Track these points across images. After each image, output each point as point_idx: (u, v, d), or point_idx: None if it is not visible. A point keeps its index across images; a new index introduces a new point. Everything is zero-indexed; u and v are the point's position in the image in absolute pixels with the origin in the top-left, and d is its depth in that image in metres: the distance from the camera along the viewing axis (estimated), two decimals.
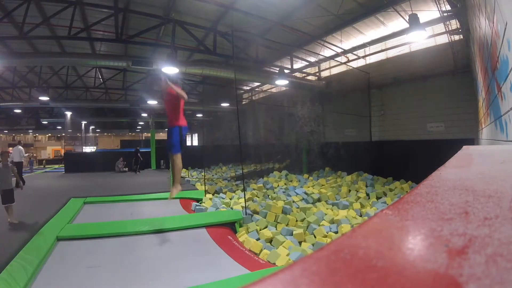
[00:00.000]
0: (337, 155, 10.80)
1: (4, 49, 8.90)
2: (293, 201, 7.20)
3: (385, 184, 8.82)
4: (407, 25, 6.58)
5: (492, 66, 2.07)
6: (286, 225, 5.72)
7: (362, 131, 10.50)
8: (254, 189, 8.62)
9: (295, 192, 8.02)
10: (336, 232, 5.39)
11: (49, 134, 30.34)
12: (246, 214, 6.04)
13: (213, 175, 13.19)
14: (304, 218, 5.93)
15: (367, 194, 7.95)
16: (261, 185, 9.16)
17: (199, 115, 19.26)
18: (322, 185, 9.23)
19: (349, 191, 8.44)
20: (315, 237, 5.17)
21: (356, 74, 10.30)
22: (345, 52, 10.45)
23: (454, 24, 6.39)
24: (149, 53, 9.78)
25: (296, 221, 5.91)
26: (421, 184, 0.53)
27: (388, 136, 9.93)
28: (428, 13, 7.21)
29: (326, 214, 6.26)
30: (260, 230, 5.48)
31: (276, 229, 5.52)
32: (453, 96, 7.98)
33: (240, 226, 5.68)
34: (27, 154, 12.59)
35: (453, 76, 7.89)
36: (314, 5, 7.40)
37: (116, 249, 4.30)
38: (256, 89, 16.78)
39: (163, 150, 14.79)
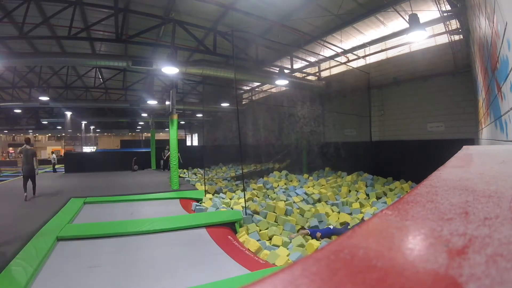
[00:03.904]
0: (337, 155, 10.80)
1: (4, 49, 8.91)
2: (294, 202, 7.20)
3: (385, 184, 8.82)
4: (407, 25, 6.58)
5: (492, 66, 2.07)
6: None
7: (362, 131, 10.50)
8: (254, 189, 8.62)
9: (295, 192, 8.02)
10: None
11: (49, 134, 30.36)
12: (246, 214, 6.04)
13: (213, 175, 13.19)
14: (306, 223, 5.89)
15: (367, 194, 7.95)
16: (261, 185, 9.16)
17: (199, 115, 19.25)
18: (322, 185, 9.23)
19: (349, 191, 8.44)
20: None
21: (356, 74, 10.30)
22: (345, 52, 10.45)
23: (454, 24, 6.39)
24: (149, 53, 9.78)
25: (296, 223, 5.91)
26: (421, 184, 0.53)
27: (388, 136, 9.93)
28: (428, 13, 7.21)
29: (329, 216, 6.25)
30: (261, 231, 5.48)
31: (277, 228, 5.53)
32: (453, 96, 7.98)
33: (240, 226, 5.68)
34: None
35: (453, 76, 7.89)
36: (314, 5, 7.40)
37: (116, 249, 4.30)
38: (256, 89, 16.78)
39: (163, 150, 14.84)
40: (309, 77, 12.15)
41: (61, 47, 9.89)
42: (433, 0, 5.99)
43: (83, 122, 24.91)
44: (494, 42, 1.80)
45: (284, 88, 12.54)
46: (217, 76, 8.77)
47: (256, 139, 13.29)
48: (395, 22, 8.36)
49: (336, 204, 7.07)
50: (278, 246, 4.84)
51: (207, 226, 5.26)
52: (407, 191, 7.36)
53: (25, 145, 6.97)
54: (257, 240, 4.91)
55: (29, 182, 7.11)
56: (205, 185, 8.93)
